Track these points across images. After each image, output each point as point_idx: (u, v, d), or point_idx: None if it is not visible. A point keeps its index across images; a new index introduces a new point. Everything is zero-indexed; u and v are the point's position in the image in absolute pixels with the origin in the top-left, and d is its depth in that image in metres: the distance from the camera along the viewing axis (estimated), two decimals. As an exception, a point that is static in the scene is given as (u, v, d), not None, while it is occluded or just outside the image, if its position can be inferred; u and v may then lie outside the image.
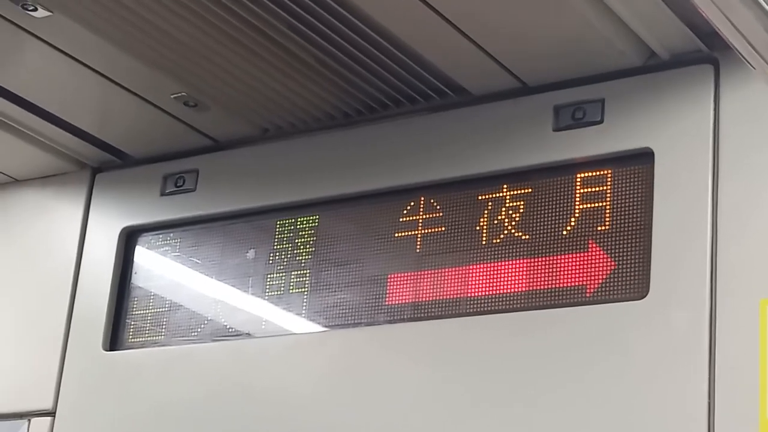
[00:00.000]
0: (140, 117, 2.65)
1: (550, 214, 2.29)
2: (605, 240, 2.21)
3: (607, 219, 2.22)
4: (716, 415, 1.99)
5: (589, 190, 2.26)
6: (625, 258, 2.18)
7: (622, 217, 2.21)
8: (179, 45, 2.33)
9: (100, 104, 2.65)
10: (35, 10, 2.23)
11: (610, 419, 2.07)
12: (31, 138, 2.79)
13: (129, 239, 2.81)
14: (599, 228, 2.22)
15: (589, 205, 2.25)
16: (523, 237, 2.30)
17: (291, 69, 2.38)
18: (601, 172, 2.25)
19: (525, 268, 2.28)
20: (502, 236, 2.32)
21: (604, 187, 2.24)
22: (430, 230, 2.41)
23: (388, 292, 2.42)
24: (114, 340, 2.74)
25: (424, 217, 2.42)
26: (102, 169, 2.90)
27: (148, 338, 2.71)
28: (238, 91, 2.49)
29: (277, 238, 2.60)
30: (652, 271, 2.12)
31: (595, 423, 2.08)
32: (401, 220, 2.45)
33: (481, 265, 2.33)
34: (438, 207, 2.42)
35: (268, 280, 2.59)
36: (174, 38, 2.31)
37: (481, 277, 2.32)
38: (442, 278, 2.36)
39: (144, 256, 2.79)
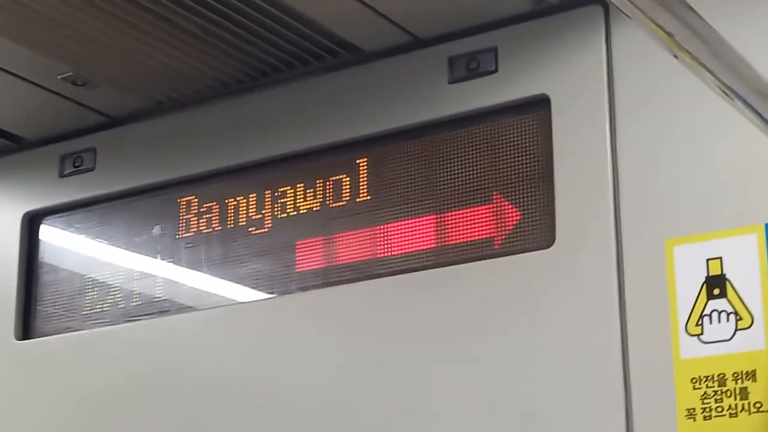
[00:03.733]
0: (31, 100, 2.59)
1: (452, 168, 2.26)
2: (509, 190, 2.19)
3: (509, 169, 2.20)
4: (630, 357, 1.99)
5: (489, 140, 2.23)
6: (529, 207, 2.17)
7: (524, 166, 2.19)
8: (59, 25, 2.27)
9: (-12, 90, 2.58)
10: None
11: (525, 369, 2.07)
12: None
13: (32, 224, 2.75)
14: (502, 179, 2.20)
15: (490, 156, 2.23)
16: (428, 193, 2.27)
17: (175, 39, 2.33)
18: (500, 122, 2.23)
19: (432, 225, 2.26)
20: (406, 193, 2.29)
21: (504, 137, 2.22)
22: (336, 193, 2.38)
23: (297, 259, 2.39)
24: (26, 328, 2.69)
25: (330, 180, 2.39)
26: (-3, 155, 2.84)
27: (61, 324, 2.66)
28: (125, 66, 2.43)
29: (182, 212, 2.56)
30: (557, 219, 2.11)
31: (510, 374, 2.08)
32: (305, 185, 2.41)
33: (389, 225, 2.30)
34: (343, 169, 2.38)
35: (176, 255, 2.55)
36: (53, 19, 2.25)
37: (389, 237, 2.29)
38: (350, 241, 2.33)
39: (49, 239, 2.74)
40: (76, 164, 2.69)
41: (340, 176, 2.37)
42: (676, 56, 1.49)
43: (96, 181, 2.67)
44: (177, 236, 2.55)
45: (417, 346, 2.18)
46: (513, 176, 2.19)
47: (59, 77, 2.48)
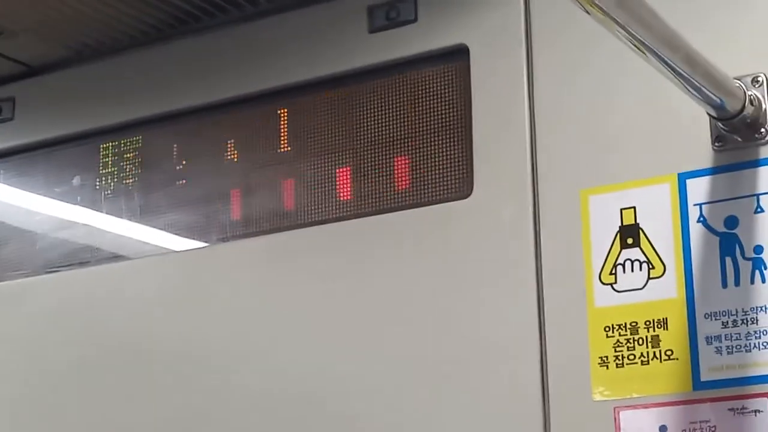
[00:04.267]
0: (-55, 49, 2.56)
1: (371, 118, 2.26)
2: (427, 141, 2.20)
3: (428, 119, 2.20)
4: (545, 305, 2.01)
5: (408, 90, 2.23)
6: (447, 158, 2.17)
7: (443, 116, 2.19)
8: (-27, -27, 2.25)
9: None
10: None
11: (440, 319, 2.08)
12: None
13: (-52, 174, 2.72)
14: (420, 129, 2.21)
15: (409, 107, 2.23)
16: (345, 143, 2.27)
17: (93, -14, 2.31)
18: (419, 72, 2.23)
19: (347, 176, 2.26)
20: (323, 144, 2.29)
21: (423, 87, 2.22)
22: (253, 142, 2.37)
23: (217, 210, 2.39)
24: (-57, 280, 2.67)
25: (248, 129, 2.38)
26: None
27: (-21, 275, 2.64)
28: (42, 14, 2.40)
29: (102, 162, 2.54)
30: (474, 169, 2.12)
31: (427, 323, 2.09)
32: (224, 134, 2.40)
33: (305, 176, 2.30)
34: (260, 118, 2.37)
35: (97, 206, 2.54)
36: (-33, -34, 2.22)
37: (305, 189, 2.29)
38: (269, 192, 2.33)
39: (-33, 190, 2.71)
40: (-5, 114, 2.67)
41: (260, 126, 2.36)
42: (587, 12, 1.50)
43: (15, 131, 2.64)
44: (97, 186, 2.54)
45: (333, 298, 2.19)
46: (431, 127, 2.19)
47: (-26, 26, 2.46)
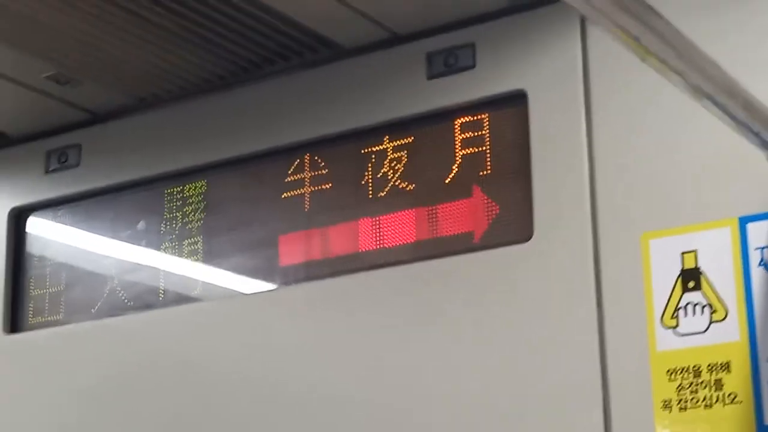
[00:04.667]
0: (16, 98, 2.62)
1: (432, 163, 2.29)
2: (488, 185, 2.22)
3: (488, 163, 2.23)
4: (607, 349, 2.02)
5: (468, 135, 2.26)
6: (508, 201, 2.19)
7: (502, 160, 2.22)
8: (43, 26, 2.31)
9: (-28, 91, 2.61)
10: None
11: (502, 363, 2.10)
12: None
13: (18, 219, 2.78)
14: (481, 173, 2.23)
15: (469, 151, 2.25)
16: (408, 188, 2.30)
17: (156, 37, 2.36)
18: (478, 117, 2.25)
19: (412, 219, 2.28)
20: (387, 189, 2.32)
21: (482, 132, 2.24)
22: (316, 188, 2.40)
23: (280, 253, 2.42)
24: (14, 322, 2.72)
25: (310, 174, 2.41)
26: (-16, 151, 2.86)
27: (48, 318, 2.69)
28: (108, 64, 2.47)
29: (167, 207, 2.59)
30: (534, 213, 2.14)
31: (488, 368, 2.11)
32: (287, 179, 2.44)
33: (369, 219, 2.33)
34: (323, 164, 2.41)
35: (161, 250, 2.58)
36: (37, 20, 2.29)
37: (369, 232, 2.32)
38: (332, 236, 2.36)
39: (35, 234, 2.76)
40: (62, 160, 2.72)
41: (322, 171, 2.39)
42: (643, 59, 1.51)
43: (81, 176, 2.69)
44: (161, 231, 2.58)
45: (396, 339, 2.21)
46: (492, 171, 2.21)
47: (43, 76, 2.52)
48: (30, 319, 2.71)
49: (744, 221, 1.95)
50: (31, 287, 2.72)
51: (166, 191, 2.59)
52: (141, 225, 2.62)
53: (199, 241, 2.53)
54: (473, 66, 2.26)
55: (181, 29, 2.32)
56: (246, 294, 2.46)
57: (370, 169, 2.35)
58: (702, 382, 1.94)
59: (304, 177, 2.42)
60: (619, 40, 1.46)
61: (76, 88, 2.57)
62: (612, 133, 2.10)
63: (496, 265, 2.16)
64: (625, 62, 2.05)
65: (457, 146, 2.26)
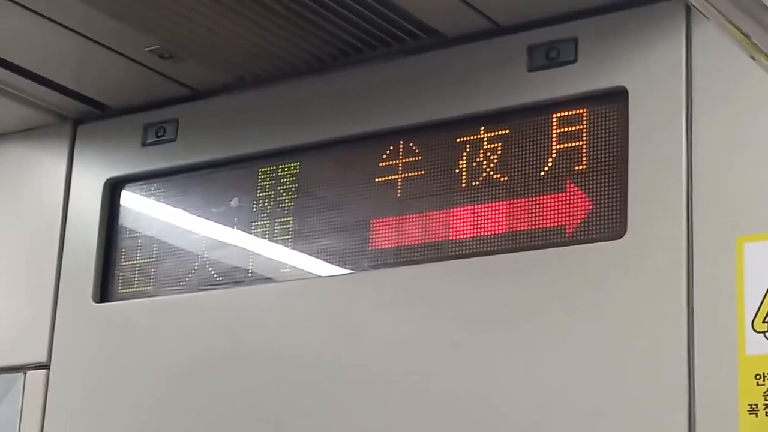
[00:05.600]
0: (117, 70, 2.66)
1: (527, 155, 2.29)
2: (582, 180, 2.22)
3: (584, 158, 2.23)
4: (695, 351, 2.01)
5: (565, 129, 2.26)
6: (602, 198, 2.19)
7: (599, 156, 2.22)
8: (149, 0, 2.33)
9: (77, 60, 2.65)
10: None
11: (590, 359, 2.10)
12: (12, 94, 2.79)
13: (113, 190, 2.82)
14: (576, 168, 2.23)
15: (565, 145, 2.25)
16: (502, 179, 2.31)
17: (261, 18, 2.38)
18: (577, 112, 2.25)
19: (504, 210, 2.29)
20: (481, 178, 2.33)
21: (580, 127, 2.24)
22: (409, 174, 2.42)
23: (370, 237, 2.44)
24: (104, 291, 2.77)
25: (404, 161, 2.43)
26: (83, 121, 2.90)
27: (137, 289, 2.73)
28: (211, 41, 2.49)
29: (260, 185, 2.61)
30: (629, 211, 2.13)
31: (575, 364, 2.11)
32: (381, 164, 2.45)
33: (462, 208, 2.34)
34: (417, 150, 2.42)
35: (253, 228, 2.61)
36: (144, -7, 2.32)
37: (461, 220, 2.33)
38: (423, 222, 2.38)
39: (129, 206, 2.81)
40: (159, 134, 2.76)
41: (416, 158, 2.41)
42: (752, 57, 1.51)
43: (177, 151, 2.73)
44: (254, 209, 2.61)
45: (483, 330, 2.22)
46: (587, 166, 2.22)
47: (147, 49, 2.55)
48: (120, 289, 2.75)
49: (841, 228, 1.94)
50: (122, 258, 2.77)
51: (260, 170, 2.62)
52: (234, 202, 2.65)
53: (290, 221, 2.56)
54: (575, 60, 2.26)
55: (286, 10, 2.35)
56: (334, 276, 2.48)
57: (464, 158, 2.36)
58: (790, 389, 1.93)
59: (398, 163, 2.44)
60: (729, 37, 1.45)
61: (177, 63, 2.61)
62: (712, 135, 2.09)
63: (587, 261, 2.16)
64: (730, 64, 2.07)
65: (553, 140, 2.27)
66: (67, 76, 2.72)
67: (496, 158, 2.32)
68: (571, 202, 2.22)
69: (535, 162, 2.28)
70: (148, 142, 2.77)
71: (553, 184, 2.25)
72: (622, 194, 2.15)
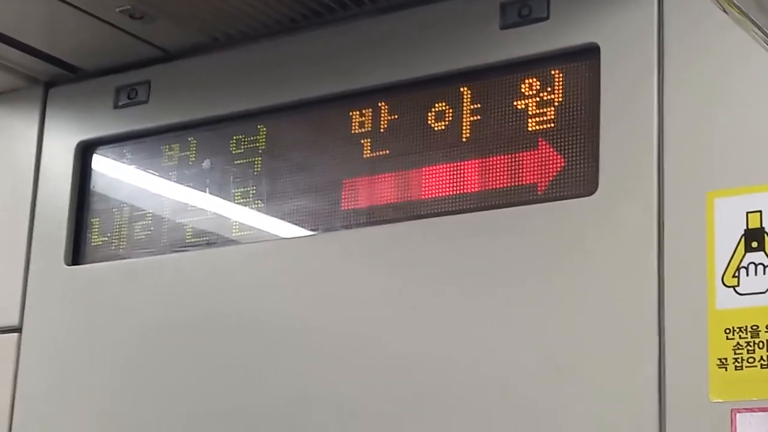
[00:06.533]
0: (88, 31, 2.64)
1: (499, 114, 2.29)
2: (554, 137, 2.22)
3: (556, 116, 2.23)
4: (666, 305, 2.02)
5: (537, 87, 2.26)
6: (574, 155, 2.20)
7: (571, 113, 2.22)
8: (119, -42, 2.33)
9: (47, 21, 2.63)
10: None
11: (560, 315, 2.11)
12: (-19, 57, 2.78)
13: (85, 153, 2.81)
14: (548, 126, 2.23)
15: (537, 103, 2.25)
16: (474, 137, 2.31)
17: (232, -24, 2.37)
18: (549, 70, 2.25)
19: (477, 169, 2.29)
20: (453, 137, 2.33)
21: (552, 84, 2.24)
22: (381, 133, 2.41)
23: (342, 197, 2.44)
24: (76, 254, 2.76)
25: (376, 120, 2.43)
26: (54, 84, 2.88)
27: (110, 251, 2.72)
28: (183, 1, 2.47)
29: (232, 147, 2.61)
30: (600, 167, 2.14)
31: (548, 319, 2.12)
32: (353, 124, 2.45)
33: (433, 167, 2.34)
34: (389, 110, 2.42)
35: (225, 189, 2.60)
36: (113, -48, 2.30)
37: (433, 179, 2.33)
38: (395, 182, 2.37)
39: (101, 169, 2.80)
40: (131, 96, 2.74)
41: (387, 117, 2.41)
42: (725, 11, 1.51)
43: (149, 113, 2.72)
44: (226, 170, 2.60)
45: (456, 288, 2.22)
46: (559, 123, 2.22)
47: (117, 10, 2.53)
48: (92, 252, 2.74)
49: (812, 183, 1.95)
50: (94, 221, 2.76)
51: (232, 131, 2.61)
52: (206, 164, 2.64)
53: (263, 182, 2.55)
54: (547, 17, 2.25)
55: (257, -32, 2.34)
56: (307, 236, 2.48)
57: (436, 117, 2.35)
58: (759, 342, 1.93)
59: (370, 122, 2.43)
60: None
61: (149, 23, 2.59)
62: (684, 91, 2.09)
63: (559, 218, 2.16)
64: (702, 20, 2.07)
65: (525, 98, 2.26)
66: (37, 37, 2.71)
67: (468, 117, 2.32)
68: (543, 159, 2.22)
69: (506, 120, 2.28)
70: (120, 104, 2.76)
71: (524, 141, 2.25)
72: (594, 151, 2.15)
